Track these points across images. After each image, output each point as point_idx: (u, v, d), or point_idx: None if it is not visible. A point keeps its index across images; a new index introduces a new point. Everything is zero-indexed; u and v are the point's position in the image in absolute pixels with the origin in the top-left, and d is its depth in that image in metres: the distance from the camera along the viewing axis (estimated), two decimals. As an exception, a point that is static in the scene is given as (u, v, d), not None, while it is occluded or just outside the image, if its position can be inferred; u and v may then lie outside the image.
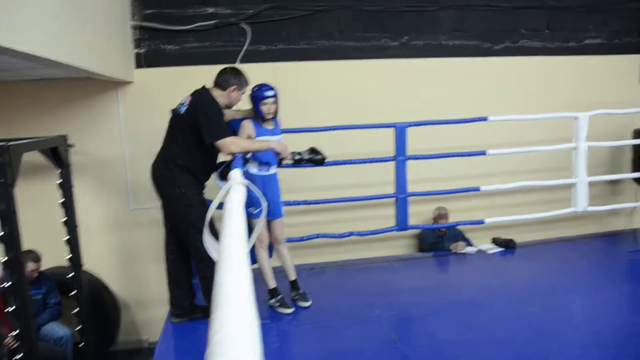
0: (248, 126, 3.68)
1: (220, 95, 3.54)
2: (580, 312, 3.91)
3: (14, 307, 3.34)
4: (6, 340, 3.94)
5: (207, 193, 3.66)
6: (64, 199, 4.41)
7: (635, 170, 5.61)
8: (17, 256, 3.31)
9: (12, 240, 3.27)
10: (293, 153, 3.98)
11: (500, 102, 5.63)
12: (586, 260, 4.92)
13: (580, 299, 4.02)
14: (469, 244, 5.30)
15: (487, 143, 5.19)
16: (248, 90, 3.68)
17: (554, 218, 5.36)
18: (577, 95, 5.75)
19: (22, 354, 3.37)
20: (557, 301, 3.86)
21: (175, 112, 3.60)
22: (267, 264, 3.79)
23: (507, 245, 5.13)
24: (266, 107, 3.63)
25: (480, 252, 5.10)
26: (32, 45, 2.75)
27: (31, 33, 2.76)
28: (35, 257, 4.35)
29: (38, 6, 2.86)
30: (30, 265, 4.23)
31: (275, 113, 3.72)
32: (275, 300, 3.78)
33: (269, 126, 3.75)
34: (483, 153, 4.89)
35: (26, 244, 3.45)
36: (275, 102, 3.67)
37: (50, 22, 3.02)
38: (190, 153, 3.47)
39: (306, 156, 4.06)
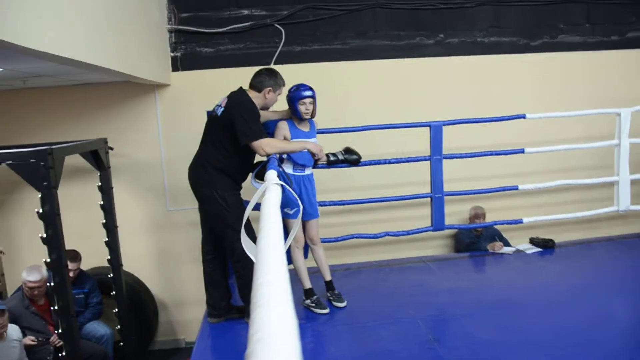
0: (284, 127, 3.70)
1: (256, 97, 3.54)
2: (623, 314, 3.78)
3: (57, 306, 3.44)
4: (51, 338, 4.07)
5: (244, 194, 3.69)
6: (103, 201, 4.51)
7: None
8: (61, 257, 3.40)
9: (56, 241, 3.37)
10: (328, 155, 3.99)
11: (537, 99, 5.49)
12: (628, 260, 4.76)
13: (622, 301, 3.90)
14: (507, 244, 5.21)
15: (521, 141, 5.10)
16: (284, 91, 3.69)
17: (594, 217, 5.22)
18: (619, 90, 5.58)
19: (66, 352, 3.47)
20: (597, 303, 3.75)
21: (211, 114, 3.64)
22: (303, 264, 3.80)
23: (546, 245, 5.01)
24: (304, 107, 3.63)
25: (518, 252, 5.00)
26: (78, 52, 2.84)
27: (78, 41, 2.85)
28: (73, 257, 4.41)
29: (83, 15, 2.95)
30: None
31: (313, 114, 3.72)
32: (311, 301, 3.79)
33: (305, 128, 3.76)
34: (521, 151, 4.80)
35: (67, 244, 3.54)
36: (313, 102, 3.67)
37: (93, 29, 3.11)
38: (226, 154, 3.49)
39: (341, 157, 4.07)
